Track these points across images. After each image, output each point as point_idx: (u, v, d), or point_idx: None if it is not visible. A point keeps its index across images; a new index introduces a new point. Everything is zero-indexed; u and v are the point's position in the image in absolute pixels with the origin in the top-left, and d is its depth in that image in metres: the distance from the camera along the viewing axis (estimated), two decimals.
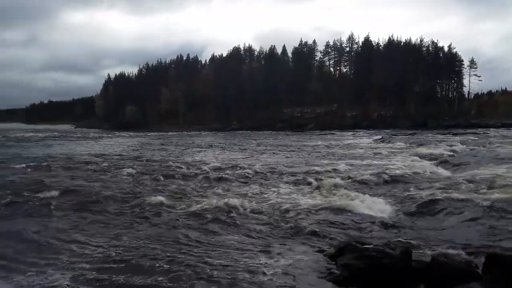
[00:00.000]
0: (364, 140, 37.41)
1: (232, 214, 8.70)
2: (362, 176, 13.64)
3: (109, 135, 60.82)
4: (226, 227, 7.88)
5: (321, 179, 13.08)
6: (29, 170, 16.47)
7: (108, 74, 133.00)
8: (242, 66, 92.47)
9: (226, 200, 9.74)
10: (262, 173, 15.25)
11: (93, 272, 5.53)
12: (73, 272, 5.57)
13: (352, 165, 17.33)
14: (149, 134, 69.01)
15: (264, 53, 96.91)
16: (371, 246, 5.43)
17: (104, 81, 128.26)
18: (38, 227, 7.89)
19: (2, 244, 6.81)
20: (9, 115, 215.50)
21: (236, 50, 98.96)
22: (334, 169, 15.88)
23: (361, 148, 26.87)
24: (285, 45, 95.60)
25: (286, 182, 13.15)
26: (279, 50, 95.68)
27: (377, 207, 9.35)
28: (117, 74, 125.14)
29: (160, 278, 5.28)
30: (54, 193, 10.88)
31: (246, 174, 14.89)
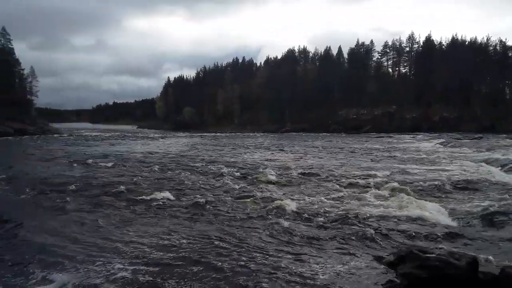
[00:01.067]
0: (425, 143, 35.63)
1: (286, 217, 8.66)
2: (423, 182, 13.04)
3: (168, 136, 63.26)
4: (280, 230, 7.83)
5: (379, 184, 12.69)
6: (95, 166, 17.74)
7: (168, 77, 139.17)
8: (296, 67, 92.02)
9: (279, 202, 9.74)
10: (316, 175, 15.10)
11: (151, 265, 5.77)
12: (133, 264, 5.83)
13: (412, 169, 16.63)
14: (205, 134, 70.83)
15: (319, 54, 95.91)
16: (434, 255, 5.12)
17: (164, 84, 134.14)
18: (100, 220, 8.41)
19: (66, 236, 7.31)
20: (77, 115, 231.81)
21: (290, 52, 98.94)
22: (393, 173, 15.38)
23: (422, 152, 25.63)
24: (341, 46, 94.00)
25: (341, 185, 12.91)
26: (334, 52, 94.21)
27: (440, 214, 8.88)
28: (176, 77, 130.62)
29: (215, 275, 5.38)
30: (120, 188, 11.66)
31: (300, 175, 14.82)
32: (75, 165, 19.14)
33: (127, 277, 5.39)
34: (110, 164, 19.11)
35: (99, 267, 5.76)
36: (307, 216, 8.89)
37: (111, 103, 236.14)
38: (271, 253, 6.45)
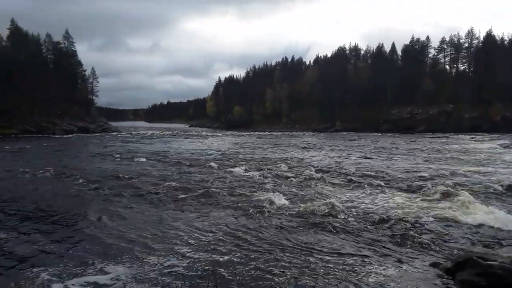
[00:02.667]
0: (485, 145, 33.60)
1: (336, 218, 8.57)
2: (484, 185, 12.35)
3: (218, 134, 64.57)
4: (329, 232, 7.75)
5: (435, 186, 12.17)
6: (150, 163, 18.59)
7: (219, 77, 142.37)
8: (347, 66, 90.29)
9: (330, 202, 9.65)
10: (367, 176, 14.82)
11: (204, 260, 5.93)
12: (187, 258, 6.00)
13: (471, 172, 15.79)
14: (254, 133, 71.61)
15: (371, 52, 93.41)
16: (496, 263, 4.90)
17: (215, 84, 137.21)
18: (155, 215, 8.78)
19: (122, 229, 7.67)
20: (134, 114, 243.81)
21: (341, 50, 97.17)
22: (451, 175, 14.73)
23: (483, 154, 24.29)
24: (394, 42, 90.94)
25: (395, 187, 12.56)
26: (387, 49, 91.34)
27: (502, 220, 8.34)
28: (227, 77, 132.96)
29: (267, 272, 5.43)
30: (174, 184, 12.16)
31: (350, 177, 14.59)
32: (133, 161, 20.18)
33: (180, 272, 5.53)
34: (165, 161, 20.02)
35: (153, 261, 5.97)
36: (358, 217, 8.75)
37: (165, 102, 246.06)
38: (320, 252, 6.41)
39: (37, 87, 59.39)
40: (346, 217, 8.72)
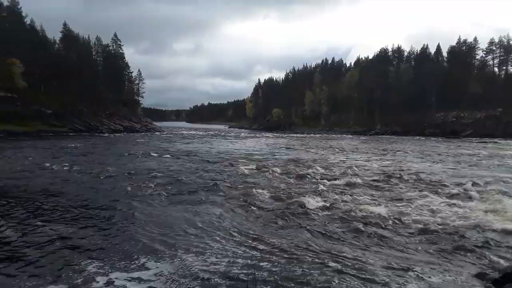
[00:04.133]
0: None
1: (379, 224, 8.40)
2: None
3: (257, 135, 65.16)
4: (371, 236, 7.62)
5: (482, 193, 11.65)
6: (193, 162, 19.02)
7: (259, 79, 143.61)
8: (389, 67, 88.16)
9: (372, 207, 9.54)
10: (409, 180, 14.45)
11: (244, 259, 6.00)
12: (227, 257, 6.10)
13: None
14: (292, 135, 71.66)
15: (415, 53, 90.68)
16: None
17: (254, 85, 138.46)
18: (198, 212, 8.95)
19: (165, 226, 7.91)
20: (176, 115, 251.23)
21: (383, 51, 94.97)
22: (498, 182, 14.05)
23: None
24: (440, 43, 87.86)
25: (441, 194, 12.06)
26: (432, 50, 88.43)
27: None
28: (266, 79, 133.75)
29: (306, 277, 5.41)
30: (215, 184, 12.48)
31: (394, 181, 14.26)
32: (175, 159, 20.86)
33: (220, 270, 5.60)
34: (206, 160, 20.54)
35: (193, 258, 6.08)
36: (397, 223, 8.54)
37: (206, 103, 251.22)
38: (362, 258, 6.28)
39: (87, 88, 62.77)
40: (390, 223, 8.54)
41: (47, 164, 17.44)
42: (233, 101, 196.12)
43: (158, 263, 5.90)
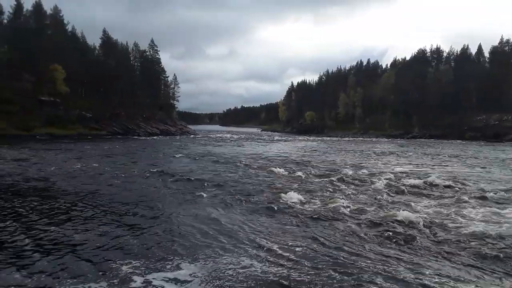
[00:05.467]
0: None
1: (409, 231, 8.16)
2: None
3: (290, 139, 64.98)
4: (400, 243, 7.42)
5: None
6: (227, 165, 19.18)
7: (292, 82, 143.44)
8: (427, 69, 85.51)
9: (405, 213, 9.24)
10: (450, 186, 13.95)
11: (278, 265, 5.93)
12: (261, 262, 6.07)
13: None
14: (326, 138, 70.99)
15: (455, 54, 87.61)
16: None
17: (287, 89, 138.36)
18: (232, 216, 9.01)
19: (199, 228, 7.95)
20: (209, 118, 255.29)
21: (421, 52, 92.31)
22: None
23: None
24: (481, 44, 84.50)
25: (482, 199, 11.60)
26: (473, 50, 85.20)
27: None
28: (299, 82, 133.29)
29: (340, 281, 5.34)
30: (248, 187, 12.56)
31: (431, 187, 13.83)
32: (211, 162, 21.15)
33: (255, 273, 5.60)
34: (239, 163, 20.63)
35: (227, 260, 6.12)
36: (433, 228, 8.28)
37: (239, 107, 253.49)
38: (397, 266, 6.13)
39: (125, 92, 64.89)
40: (416, 229, 8.31)
41: (87, 165, 18.11)
42: (265, 104, 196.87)
43: (193, 265, 5.95)
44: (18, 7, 57.68)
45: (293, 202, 10.76)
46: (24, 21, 57.91)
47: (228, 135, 71.01)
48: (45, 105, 51.31)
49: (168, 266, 5.90)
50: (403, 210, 9.74)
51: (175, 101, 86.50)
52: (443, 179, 15.47)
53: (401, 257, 6.58)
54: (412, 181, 14.88)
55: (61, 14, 64.24)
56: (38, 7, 59.15)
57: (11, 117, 45.79)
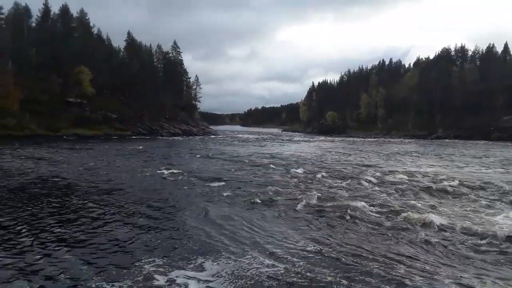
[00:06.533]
0: None
1: (440, 233, 8.12)
2: None
3: (311, 139, 64.55)
4: (428, 244, 7.39)
5: None
6: (248, 165, 19.28)
7: (313, 82, 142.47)
8: (451, 68, 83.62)
9: (431, 217, 9.14)
10: (475, 188, 13.82)
11: (304, 267, 5.94)
12: (283, 263, 6.11)
13: None
14: (347, 139, 70.32)
15: (480, 53, 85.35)
16: None
17: (308, 89, 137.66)
18: (253, 216, 9.06)
19: (221, 227, 8.09)
20: (231, 119, 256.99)
21: (445, 51, 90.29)
22: None
23: None
24: (507, 42, 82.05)
25: (506, 202, 11.42)
26: (499, 49, 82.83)
27: None
28: (320, 82, 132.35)
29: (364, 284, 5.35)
30: (271, 188, 12.51)
31: (460, 190, 13.58)
32: (230, 163, 21.36)
33: (277, 274, 5.64)
34: (260, 164, 20.76)
35: (250, 261, 6.17)
36: (462, 234, 8.14)
37: (260, 107, 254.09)
38: (412, 270, 6.07)
39: (149, 93, 66.15)
40: (446, 232, 8.24)
41: (112, 164, 18.69)
42: (286, 104, 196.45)
43: (215, 264, 6.06)
44: (46, 10, 59.64)
45: (313, 203, 10.81)
46: (51, 24, 59.82)
47: (249, 136, 71.31)
48: (72, 106, 52.86)
49: (191, 265, 6.01)
50: (428, 213, 9.64)
51: (197, 102, 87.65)
52: (470, 181, 15.24)
53: (431, 266, 6.55)
54: (438, 183, 14.65)
55: (87, 17, 66.05)
56: (65, 10, 60.96)
57: (40, 118, 47.42)
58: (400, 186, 13.96)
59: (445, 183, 14.82)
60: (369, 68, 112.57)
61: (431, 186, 14.07)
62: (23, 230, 7.61)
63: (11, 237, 7.17)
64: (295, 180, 15.40)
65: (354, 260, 6.34)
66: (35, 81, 49.65)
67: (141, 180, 14.55)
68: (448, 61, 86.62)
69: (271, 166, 20.05)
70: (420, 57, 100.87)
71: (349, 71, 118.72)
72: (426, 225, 8.67)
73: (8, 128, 42.00)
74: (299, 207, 10.36)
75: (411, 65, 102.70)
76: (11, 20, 54.08)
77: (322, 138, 72.37)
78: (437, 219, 8.96)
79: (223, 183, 14.01)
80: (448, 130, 74.29)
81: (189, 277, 5.58)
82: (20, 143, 32.13)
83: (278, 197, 11.60)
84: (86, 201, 10.49)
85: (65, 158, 21.79)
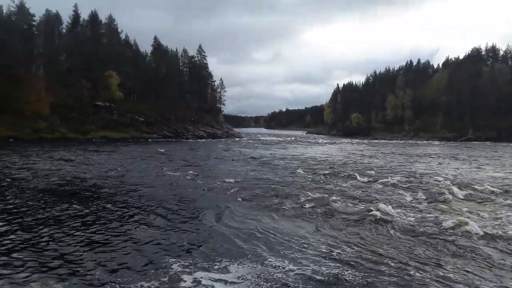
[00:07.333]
0: None
1: (464, 236, 7.94)
2: None
3: (336, 141, 63.93)
4: (452, 249, 7.20)
5: None
6: (272, 167, 19.24)
7: (337, 84, 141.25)
8: (482, 68, 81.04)
9: (460, 219, 8.95)
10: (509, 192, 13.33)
11: (331, 270, 5.89)
12: (314, 263, 6.11)
13: None
14: (373, 141, 69.22)
15: None
16: None
17: (333, 91, 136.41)
18: (276, 218, 9.07)
19: (244, 230, 8.07)
20: (255, 121, 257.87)
21: (475, 51, 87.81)
22: None
23: None
24: None
25: None
26: None
27: None
28: (345, 84, 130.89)
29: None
30: (293, 191, 12.55)
31: (489, 195, 13.16)
32: (253, 164, 21.42)
33: (304, 277, 5.61)
34: (285, 166, 20.62)
35: (275, 263, 6.14)
36: (486, 238, 7.91)
37: (284, 109, 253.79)
38: (443, 270, 5.93)
39: (175, 97, 67.18)
40: (472, 235, 8.04)
41: (136, 166, 19.00)
42: (311, 106, 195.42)
43: (241, 267, 6.05)
44: (76, 17, 61.48)
45: (337, 206, 10.69)
46: (81, 30, 61.64)
47: (272, 138, 71.28)
48: (101, 110, 54.23)
49: (216, 267, 6.03)
50: (460, 218, 9.34)
51: (221, 105, 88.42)
52: (499, 185, 14.74)
53: (449, 268, 6.37)
54: (468, 188, 14.18)
55: (115, 23, 67.70)
56: (94, 16, 62.67)
57: (70, 122, 48.90)
58: (430, 190, 13.59)
59: (480, 187, 14.33)
60: (396, 69, 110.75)
61: (464, 191, 13.61)
62: (50, 231, 7.75)
63: (39, 240, 7.29)
64: (320, 183, 15.27)
65: (380, 267, 6.20)
66: (66, 86, 51.25)
67: (164, 182, 14.71)
68: (479, 61, 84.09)
69: (296, 169, 19.93)
70: (450, 57, 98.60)
71: (375, 72, 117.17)
72: (459, 231, 8.39)
73: (40, 131, 43.46)
74: (323, 209, 10.25)
75: (440, 65, 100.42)
76: (43, 27, 56.03)
77: (347, 140, 71.50)
78: (474, 227, 8.61)
79: (245, 185, 14.03)
80: (478, 131, 72.03)
81: (215, 279, 5.58)
82: (50, 146, 33.17)
83: (303, 200, 11.50)
84: (109, 203, 10.67)
85: (91, 160, 22.33)
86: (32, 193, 11.64)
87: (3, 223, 8.11)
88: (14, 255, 6.29)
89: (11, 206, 9.82)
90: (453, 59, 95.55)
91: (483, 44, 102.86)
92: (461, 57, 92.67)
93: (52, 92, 47.17)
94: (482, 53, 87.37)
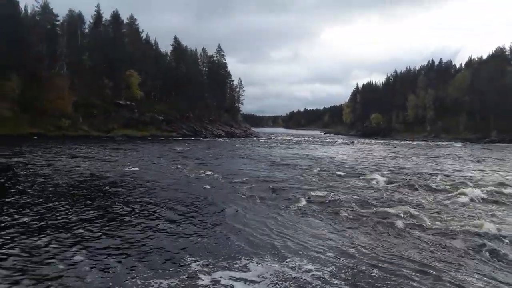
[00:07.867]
0: None
1: (482, 241, 7.72)
2: None
3: (355, 142, 63.32)
4: (471, 254, 7.07)
5: None
6: (289, 169, 19.20)
7: (357, 84, 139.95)
8: (506, 67, 78.75)
9: (476, 223, 8.80)
10: None
11: (351, 272, 5.87)
12: (331, 267, 6.05)
13: None
14: (393, 142, 68.25)
15: None
16: None
17: (352, 91, 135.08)
18: (294, 218, 9.06)
19: (263, 230, 8.08)
20: (273, 121, 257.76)
21: (499, 50, 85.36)
22: None
23: None
24: None
25: None
26: None
27: None
28: (365, 83, 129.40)
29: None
30: (313, 193, 12.42)
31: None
32: (271, 164, 21.56)
33: (323, 277, 5.62)
34: (303, 167, 20.60)
35: (295, 263, 6.16)
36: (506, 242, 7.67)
37: (302, 109, 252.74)
38: (450, 277, 5.86)
39: (194, 96, 67.81)
40: (490, 240, 7.83)
41: (154, 164, 19.28)
42: (329, 106, 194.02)
43: (260, 266, 6.07)
44: (98, 17, 62.71)
45: (356, 207, 10.61)
46: (103, 30, 62.81)
47: (290, 138, 71.14)
48: (122, 108, 55.19)
49: (236, 266, 6.05)
50: (485, 221, 9.12)
51: (240, 104, 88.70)
52: None
53: (467, 273, 6.27)
54: (492, 191, 13.75)
55: (136, 23, 68.73)
56: (115, 16, 63.74)
57: (92, 120, 49.97)
58: (451, 194, 13.30)
59: (504, 190, 13.94)
60: (417, 69, 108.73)
61: (488, 194, 13.24)
62: (72, 227, 7.92)
63: (60, 235, 7.43)
64: (339, 183, 15.17)
65: (402, 269, 6.14)
66: (88, 85, 52.35)
67: (182, 180, 14.88)
68: (503, 60, 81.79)
69: (313, 169, 19.84)
70: (472, 57, 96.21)
71: (395, 72, 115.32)
72: (479, 235, 8.21)
73: (63, 129, 44.57)
74: (343, 212, 10.18)
75: (463, 65, 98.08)
76: (66, 26, 57.34)
77: (366, 141, 70.69)
78: (492, 228, 8.46)
79: (263, 185, 14.03)
80: (502, 133, 70.07)
81: (235, 278, 5.60)
82: (73, 143, 33.94)
83: (320, 201, 11.45)
84: (129, 199, 10.84)
85: (111, 157, 22.77)
86: (54, 190, 11.93)
87: (28, 218, 8.35)
88: (39, 251, 6.47)
89: (34, 201, 10.06)
90: (476, 59, 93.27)
91: (507, 43, 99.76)
92: (485, 56, 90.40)
93: (75, 91, 48.28)
94: (506, 52, 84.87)
